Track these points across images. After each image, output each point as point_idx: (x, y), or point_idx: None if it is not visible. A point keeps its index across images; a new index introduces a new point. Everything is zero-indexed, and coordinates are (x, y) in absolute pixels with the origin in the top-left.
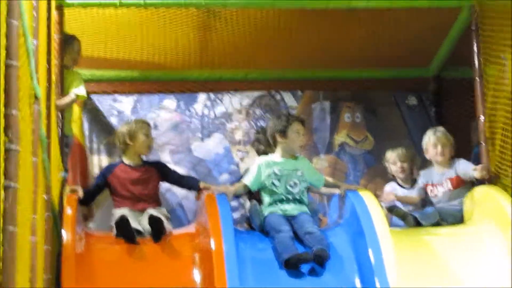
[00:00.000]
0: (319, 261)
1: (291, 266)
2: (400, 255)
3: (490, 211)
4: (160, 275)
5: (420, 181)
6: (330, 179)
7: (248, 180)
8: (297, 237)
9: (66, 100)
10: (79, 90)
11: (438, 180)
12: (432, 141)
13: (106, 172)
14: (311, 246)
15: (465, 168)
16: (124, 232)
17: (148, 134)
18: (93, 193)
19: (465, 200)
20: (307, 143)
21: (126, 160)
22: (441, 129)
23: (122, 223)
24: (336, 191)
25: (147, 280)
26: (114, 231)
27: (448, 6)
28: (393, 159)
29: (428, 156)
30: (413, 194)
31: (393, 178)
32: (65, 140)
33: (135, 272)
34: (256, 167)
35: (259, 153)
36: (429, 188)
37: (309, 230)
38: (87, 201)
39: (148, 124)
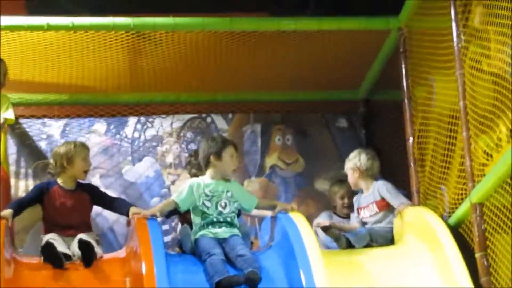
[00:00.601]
0: (251, 284)
1: None
2: (331, 276)
3: (420, 232)
4: None
5: (355, 207)
6: (264, 200)
7: (176, 197)
8: (228, 260)
9: None
10: (8, 114)
11: (365, 203)
12: (339, 195)
13: (43, 189)
14: (243, 268)
15: (389, 198)
16: (50, 257)
17: (86, 159)
18: (25, 204)
19: (395, 221)
20: (238, 165)
21: (60, 182)
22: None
23: (48, 248)
24: (267, 213)
25: None
26: (42, 256)
27: (376, 28)
28: (341, 194)
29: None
30: (353, 222)
31: (333, 208)
32: None
33: None
34: (187, 187)
35: (192, 176)
36: (360, 211)
37: (241, 253)
38: (17, 212)
39: (87, 148)
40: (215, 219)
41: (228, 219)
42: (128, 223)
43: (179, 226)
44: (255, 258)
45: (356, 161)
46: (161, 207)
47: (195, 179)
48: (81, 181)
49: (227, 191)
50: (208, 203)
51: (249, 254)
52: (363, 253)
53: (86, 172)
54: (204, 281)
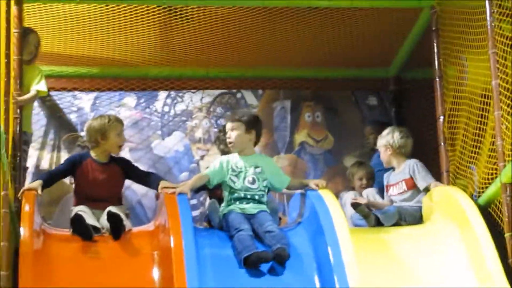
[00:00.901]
0: (279, 261)
1: (251, 264)
2: (360, 254)
3: (449, 211)
4: (118, 273)
5: (384, 184)
6: (295, 180)
7: (209, 171)
8: (257, 236)
9: (27, 96)
10: (40, 85)
11: (394, 181)
12: (358, 176)
13: (76, 161)
14: (271, 245)
15: (417, 177)
16: (79, 229)
17: (120, 134)
18: (57, 176)
19: (424, 200)
20: (267, 141)
21: (94, 155)
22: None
23: (77, 220)
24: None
25: (105, 278)
26: (71, 228)
27: (408, 6)
28: (360, 175)
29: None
30: (385, 200)
31: (351, 189)
32: (24, 137)
33: (93, 269)
34: (219, 162)
35: (221, 151)
36: (389, 189)
37: (269, 229)
38: (48, 184)
39: (122, 123)
40: (242, 195)
41: (256, 197)
42: (157, 196)
43: (207, 200)
44: (283, 235)
45: (389, 138)
46: (193, 182)
47: (225, 156)
48: (113, 154)
49: (256, 167)
50: (235, 178)
51: (278, 231)
52: (391, 232)
53: (120, 146)
54: (232, 256)
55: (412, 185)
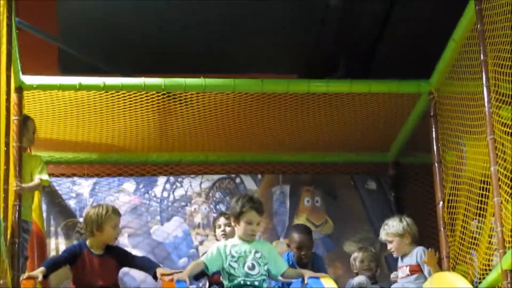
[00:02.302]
0: None
1: None
2: None
3: None
4: None
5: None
6: (292, 269)
7: (205, 258)
8: None
9: (31, 184)
10: (43, 175)
11: (401, 264)
12: (359, 259)
13: (75, 251)
14: None
15: (427, 269)
16: None
17: (116, 226)
18: (59, 264)
19: (425, 285)
20: (267, 226)
21: (90, 245)
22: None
23: None
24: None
25: None
26: None
27: (407, 92)
28: (361, 258)
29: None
30: None
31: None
32: (24, 226)
33: None
34: (216, 248)
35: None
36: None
37: None
38: (51, 270)
39: (118, 215)
40: (242, 282)
41: (256, 283)
42: (155, 277)
43: (207, 286)
44: None
45: (405, 225)
46: (190, 269)
47: (223, 241)
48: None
49: (256, 252)
50: (234, 264)
51: None
52: None
53: (116, 238)
54: None
55: (414, 271)
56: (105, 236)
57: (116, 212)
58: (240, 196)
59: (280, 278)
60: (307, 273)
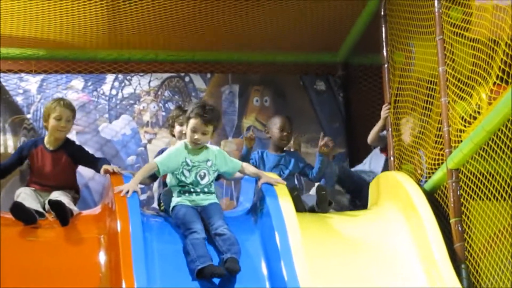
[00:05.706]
0: (231, 273)
1: (203, 276)
2: (306, 239)
3: (395, 196)
4: (63, 257)
5: None
6: (249, 167)
7: (160, 160)
8: (206, 230)
9: None
10: None
11: None
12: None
13: (23, 151)
14: (222, 251)
15: None
16: (19, 216)
17: (60, 118)
18: (8, 169)
19: (372, 184)
20: None
21: (46, 141)
22: None
23: (15, 207)
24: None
25: (50, 262)
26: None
27: None
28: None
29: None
30: None
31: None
32: None
33: (38, 253)
34: (168, 153)
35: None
36: None
37: (219, 231)
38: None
39: (66, 107)
40: (192, 189)
41: (205, 189)
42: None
43: (155, 184)
44: (234, 239)
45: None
46: (141, 175)
47: (175, 148)
48: (69, 139)
49: (208, 160)
50: (187, 173)
51: (228, 233)
52: (338, 217)
53: (60, 132)
54: (179, 242)
55: None
56: (50, 127)
57: (63, 104)
58: (197, 102)
59: (238, 174)
60: (264, 177)
